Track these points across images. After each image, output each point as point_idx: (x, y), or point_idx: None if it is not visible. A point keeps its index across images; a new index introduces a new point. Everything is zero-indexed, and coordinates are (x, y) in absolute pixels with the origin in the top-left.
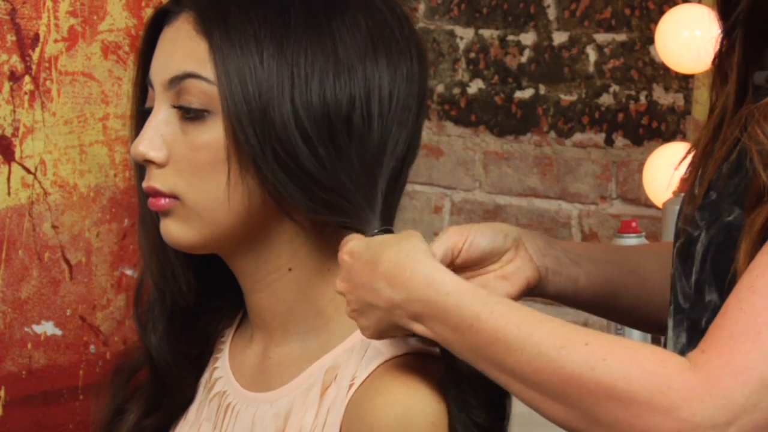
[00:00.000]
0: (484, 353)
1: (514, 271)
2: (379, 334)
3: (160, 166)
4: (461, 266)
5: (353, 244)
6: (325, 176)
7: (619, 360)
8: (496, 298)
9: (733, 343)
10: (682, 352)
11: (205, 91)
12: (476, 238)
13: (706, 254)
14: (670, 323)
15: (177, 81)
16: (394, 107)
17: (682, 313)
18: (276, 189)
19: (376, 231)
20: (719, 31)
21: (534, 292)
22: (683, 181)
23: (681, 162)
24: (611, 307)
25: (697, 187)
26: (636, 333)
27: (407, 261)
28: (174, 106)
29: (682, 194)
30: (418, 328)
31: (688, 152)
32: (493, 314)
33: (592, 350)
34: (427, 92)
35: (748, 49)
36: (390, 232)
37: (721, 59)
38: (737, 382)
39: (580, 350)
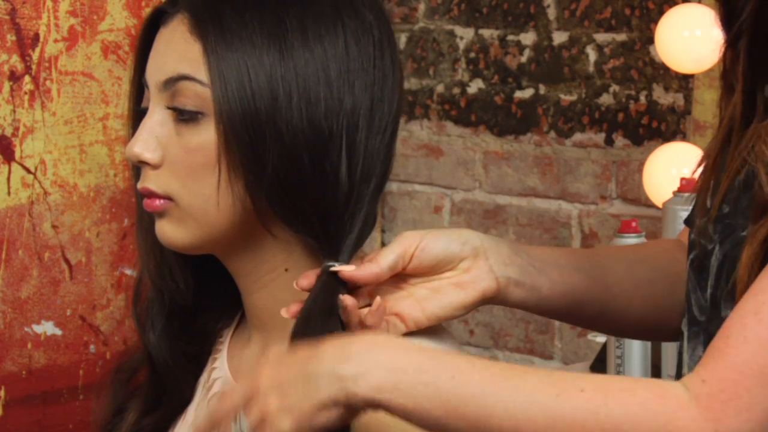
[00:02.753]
0: (464, 410)
1: (470, 280)
2: (298, 419)
3: (155, 167)
4: (413, 273)
5: (277, 349)
6: (315, 193)
7: (619, 403)
8: (469, 355)
9: (737, 377)
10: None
11: (198, 94)
12: (429, 243)
13: (721, 269)
14: (685, 334)
15: (171, 83)
16: (377, 128)
17: (698, 325)
18: (259, 195)
19: (332, 264)
20: (722, 41)
21: (493, 302)
22: (683, 180)
23: (693, 172)
24: (575, 315)
25: (709, 199)
26: (636, 343)
27: (358, 338)
28: (168, 108)
29: (682, 194)
30: (367, 388)
31: (700, 163)
32: (475, 366)
33: (590, 396)
34: (400, 114)
35: (754, 58)
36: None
37: (725, 70)
38: (742, 419)
39: (577, 397)
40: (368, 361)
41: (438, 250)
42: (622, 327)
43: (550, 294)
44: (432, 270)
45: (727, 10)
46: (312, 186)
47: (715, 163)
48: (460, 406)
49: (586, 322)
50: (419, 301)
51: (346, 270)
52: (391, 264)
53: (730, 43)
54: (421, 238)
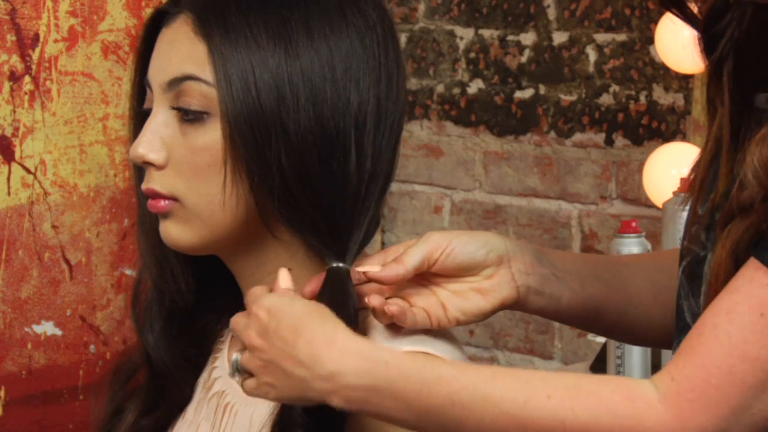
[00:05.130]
0: (437, 420)
1: (490, 287)
2: (282, 399)
3: (160, 168)
4: (435, 274)
5: (272, 300)
6: (322, 193)
7: (586, 408)
8: (437, 361)
9: (705, 376)
10: None
11: (204, 94)
12: (456, 249)
13: None
14: (675, 342)
15: (176, 83)
16: (384, 126)
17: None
18: (263, 196)
19: (338, 265)
20: (705, 64)
21: (512, 308)
22: (683, 180)
23: (686, 178)
24: (594, 324)
25: (701, 208)
26: (636, 349)
27: (336, 334)
28: (173, 108)
29: (682, 194)
30: (340, 402)
31: (691, 172)
32: (442, 378)
33: (557, 403)
34: (405, 112)
35: (740, 78)
36: (347, 269)
37: (709, 89)
38: (709, 416)
39: (544, 404)
40: (337, 379)
41: (463, 256)
42: (641, 336)
43: (569, 303)
44: (455, 274)
45: (708, 35)
46: (319, 186)
47: (706, 174)
48: (432, 416)
49: (605, 330)
50: (442, 302)
51: (373, 271)
52: (417, 265)
53: (714, 66)
54: (449, 242)
